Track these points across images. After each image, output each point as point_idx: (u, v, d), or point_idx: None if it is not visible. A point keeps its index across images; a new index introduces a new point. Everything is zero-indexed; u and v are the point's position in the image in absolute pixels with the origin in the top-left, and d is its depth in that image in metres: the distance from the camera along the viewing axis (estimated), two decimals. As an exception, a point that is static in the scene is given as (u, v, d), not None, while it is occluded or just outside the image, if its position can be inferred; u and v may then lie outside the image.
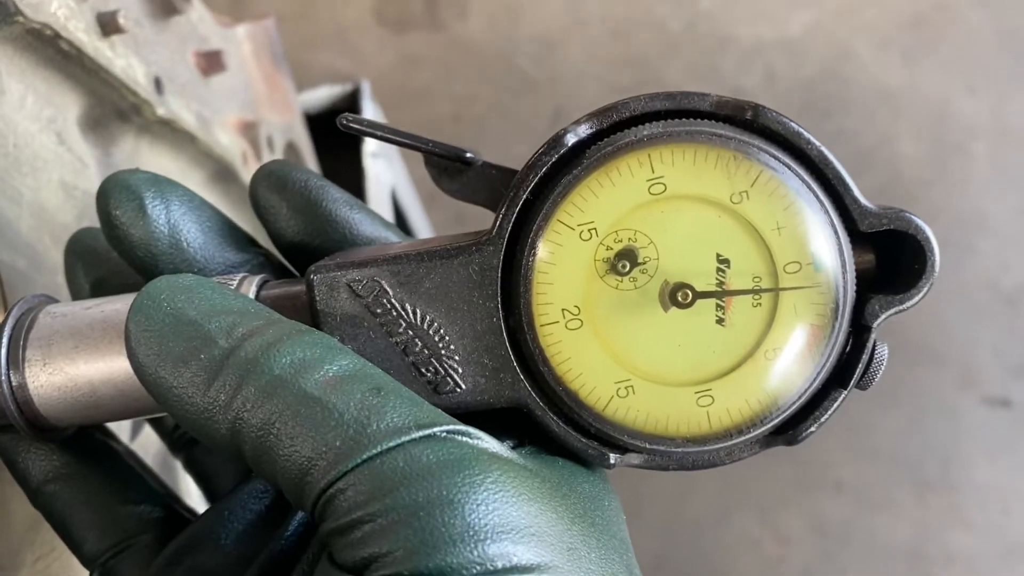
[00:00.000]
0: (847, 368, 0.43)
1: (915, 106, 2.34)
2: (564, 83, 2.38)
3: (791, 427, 0.44)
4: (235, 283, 0.46)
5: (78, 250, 0.54)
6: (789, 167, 0.42)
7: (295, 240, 0.50)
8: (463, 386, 0.44)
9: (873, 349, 0.43)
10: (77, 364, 0.45)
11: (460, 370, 0.44)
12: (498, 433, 0.45)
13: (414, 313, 0.44)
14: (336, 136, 1.26)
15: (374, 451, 0.36)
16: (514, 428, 0.45)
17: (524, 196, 0.43)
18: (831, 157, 0.42)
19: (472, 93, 2.41)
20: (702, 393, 0.43)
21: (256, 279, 0.47)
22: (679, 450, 0.44)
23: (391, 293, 0.44)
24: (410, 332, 0.44)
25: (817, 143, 0.42)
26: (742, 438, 0.43)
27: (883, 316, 0.42)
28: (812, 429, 0.44)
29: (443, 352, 0.44)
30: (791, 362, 0.43)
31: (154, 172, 0.50)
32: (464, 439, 0.38)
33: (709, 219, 0.42)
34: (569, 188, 0.42)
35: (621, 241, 0.43)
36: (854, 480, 2.20)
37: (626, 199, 0.42)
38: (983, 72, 2.34)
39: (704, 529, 2.24)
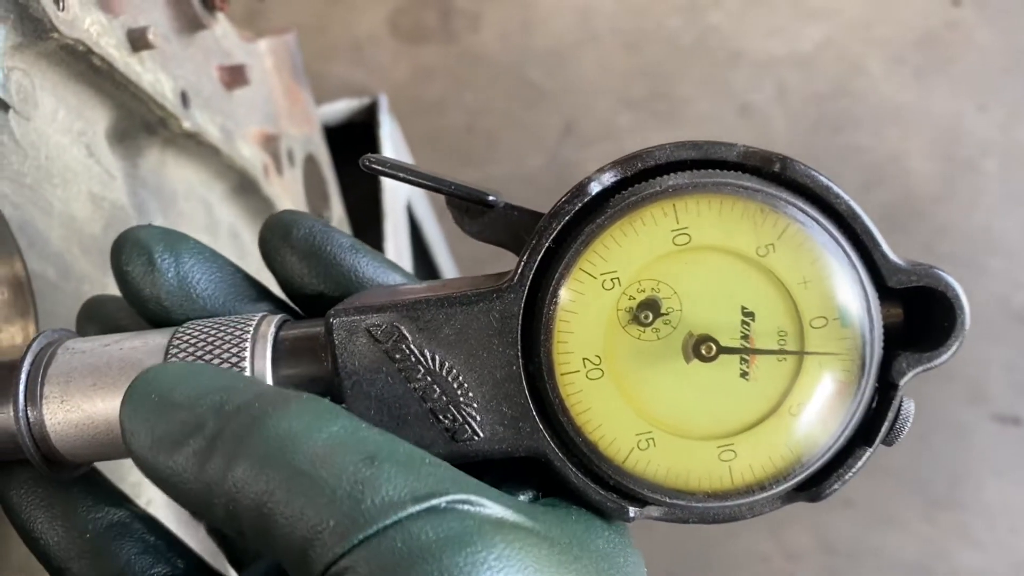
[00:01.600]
0: (873, 425, 0.42)
1: (926, 123, 2.34)
2: (576, 95, 2.38)
3: (814, 484, 0.43)
4: (255, 321, 0.46)
5: (92, 316, 0.54)
6: (817, 221, 0.41)
7: (303, 285, 0.50)
8: (481, 434, 0.43)
9: (900, 406, 0.43)
10: (95, 402, 0.45)
11: (478, 418, 0.43)
12: (516, 482, 0.44)
13: (432, 359, 0.43)
14: (354, 149, 1.26)
15: (370, 531, 0.34)
16: (533, 476, 0.45)
17: (547, 244, 0.42)
18: (860, 211, 0.41)
19: (485, 105, 2.42)
20: (724, 448, 0.42)
21: (276, 318, 0.46)
22: (700, 505, 0.43)
23: (410, 339, 0.43)
24: (428, 378, 0.43)
25: (846, 197, 0.41)
26: (764, 494, 0.42)
27: (910, 374, 0.42)
28: (836, 487, 0.43)
29: (461, 399, 0.43)
30: (816, 418, 0.42)
31: (166, 228, 0.50)
32: (466, 508, 0.37)
33: (734, 271, 0.41)
34: (592, 237, 0.41)
35: (644, 291, 0.42)
36: (863, 497, 2.19)
37: (650, 249, 0.41)
38: (993, 90, 2.34)
39: (713, 545, 2.23)
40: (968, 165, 2.30)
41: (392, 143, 1.26)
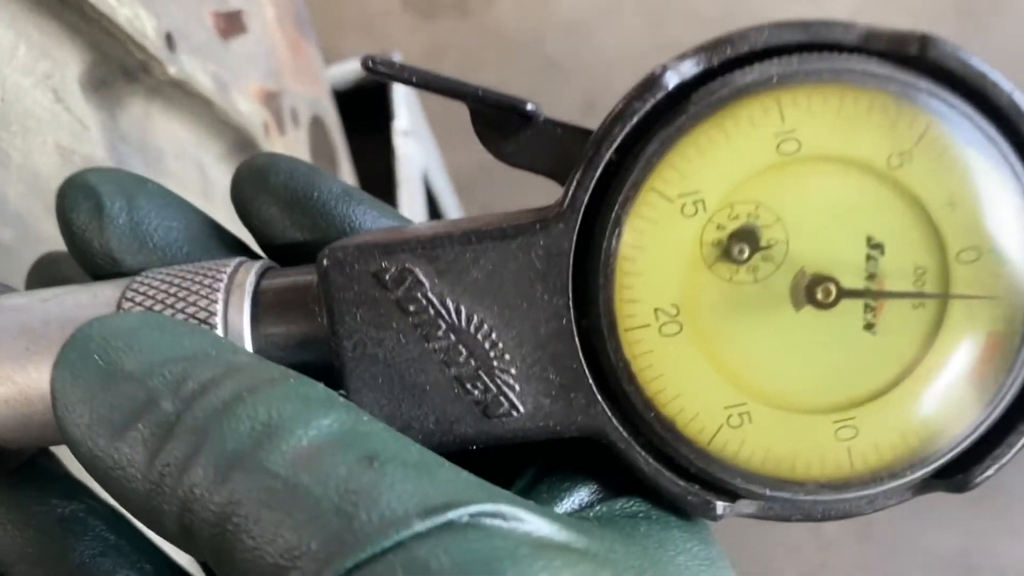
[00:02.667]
0: None
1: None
2: (595, 71, 2.30)
3: (960, 469, 0.33)
4: (230, 268, 0.36)
5: (44, 277, 0.45)
6: (969, 119, 0.31)
7: (284, 243, 0.40)
8: (521, 409, 0.33)
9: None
10: (28, 371, 0.36)
11: (517, 387, 0.33)
12: (567, 476, 0.34)
13: (457, 312, 0.33)
14: (366, 115, 1.17)
15: (362, 555, 0.25)
16: (589, 467, 0.35)
17: (607, 155, 0.32)
18: (1028, 106, 0.31)
19: (501, 81, 2.33)
20: (843, 423, 0.32)
21: (257, 265, 0.37)
22: (809, 498, 0.33)
23: (427, 285, 0.33)
24: (452, 336, 0.33)
25: (1008, 87, 0.31)
26: (893, 483, 0.32)
27: None
28: (989, 472, 0.33)
29: (495, 363, 0.33)
30: (963, 384, 0.32)
31: (118, 169, 0.42)
32: (497, 524, 0.27)
33: (858, 189, 0.31)
34: (668, 145, 0.31)
35: (738, 218, 0.32)
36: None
37: (746, 161, 0.31)
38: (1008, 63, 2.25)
39: (745, 533, 2.15)
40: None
41: (408, 108, 1.17)
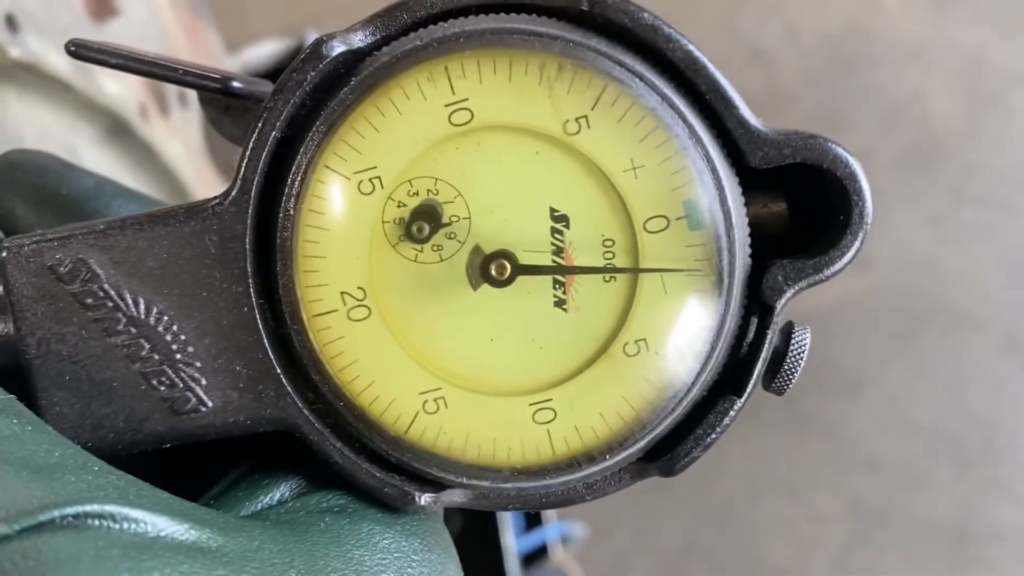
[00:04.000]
0: (744, 366, 0.30)
1: (947, 57, 2.21)
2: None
3: (665, 450, 0.31)
4: None
5: None
6: (644, 79, 0.29)
7: None
8: (209, 403, 0.32)
9: (788, 336, 0.31)
10: None
11: (204, 381, 0.32)
12: (270, 472, 0.33)
13: (136, 303, 0.31)
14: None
15: None
16: (300, 461, 0.33)
17: (273, 132, 0.30)
18: (704, 61, 0.29)
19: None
20: (539, 406, 0.30)
21: None
22: (513, 485, 0.31)
23: (103, 276, 0.31)
24: (132, 329, 0.31)
25: (683, 41, 0.29)
26: (596, 467, 0.30)
27: (790, 292, 0.30)
28: (695, 453, 0.31)
29: (179, 356, 0.32)
30: (662, 359, 0.30)
31: None
32: (97, 524, 0.25)
33: (536, 159, 0.29)
34: (336, 119, 0.30)
35: (417, 194, 0.30)
36: (890, 456, 2.08)
37: (418, 134, 0.30)
38: (1017, 15, 2.21)
39: (734, 511, 2.13)
40: (994, 99, 2.16)
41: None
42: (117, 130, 0.80)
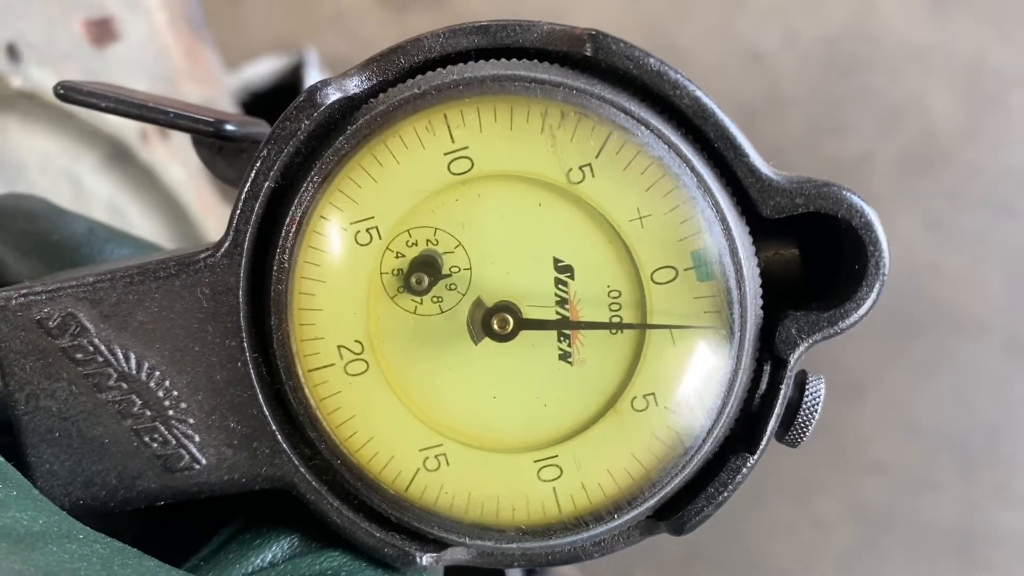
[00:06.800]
0: (757, 421, 0.29)
1: (946, 58, 2.20)
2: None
3: (675, 508, 0.30)
4: None
5: None
6: (650, 126, 0.28)
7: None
8: (203, 461, 0.31)
9: (802, 387, 0.29)
10: None
11: (197, 438, 0.31)
12: (262, 531, 0.32)
13: (126, 358, 0.30)
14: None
15: None
16: (296, 519, 0.32)
17: (266, 183, 0.29)
18: (713, 108, 0.28)
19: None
20: (545, 462, 0.29)
21: None
22: (517, 546, 0.30)
23: (92, 331, 0.30)
24: (124, 385, 0.30)
25: (691, 87, 0.28)
26: (604, 527, 0.29)
27: (804, 345, 0.28)
28: (707, 512, 0.30)
29: (171, 413, 0.30)
30: (672, 414, 0.29)
31: None
32: None
33: (539, 208, 0.28)
34: (332, 168, 0.29)
35: (416, 244, 0.29)
36: (894, 459, 2.06)
37: (417, 183, 0.28)
38: (1017, 17, 2.19)
39: (737, 516, 2.11)
40: (994, 100, 2.14)
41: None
42: (118, 155, 0.80)
